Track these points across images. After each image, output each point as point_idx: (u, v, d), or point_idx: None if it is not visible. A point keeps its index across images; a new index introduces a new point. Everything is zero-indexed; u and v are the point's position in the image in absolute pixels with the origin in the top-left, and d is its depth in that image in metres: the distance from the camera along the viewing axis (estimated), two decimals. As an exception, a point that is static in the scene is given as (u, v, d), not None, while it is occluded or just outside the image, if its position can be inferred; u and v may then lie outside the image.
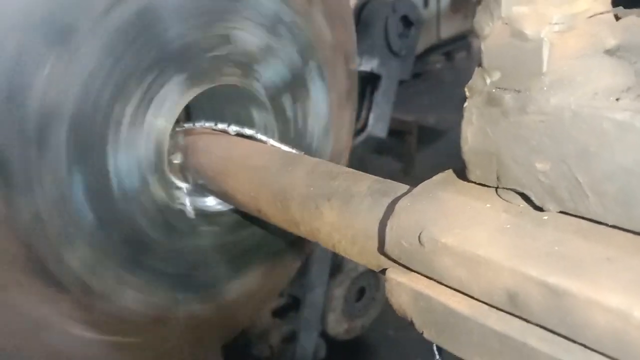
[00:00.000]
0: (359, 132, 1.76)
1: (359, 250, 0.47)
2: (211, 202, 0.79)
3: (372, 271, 1.65)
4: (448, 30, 4.90)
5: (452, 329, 0.41)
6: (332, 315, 2.07)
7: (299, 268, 1.76)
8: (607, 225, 0.35)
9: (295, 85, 0.87)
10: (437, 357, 0.45)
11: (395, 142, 3.71)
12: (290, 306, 1.97)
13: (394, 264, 0.43)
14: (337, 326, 2.10)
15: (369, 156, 1.91)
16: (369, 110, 1.69)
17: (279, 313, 1.96)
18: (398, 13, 1.61)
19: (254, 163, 0.67)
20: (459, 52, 5.10)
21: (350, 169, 0.53)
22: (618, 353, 0.32)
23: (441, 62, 5.02)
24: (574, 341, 0.35)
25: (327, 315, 2.05)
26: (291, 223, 0.55)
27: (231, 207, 0.77)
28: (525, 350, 0.37)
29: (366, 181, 0.50)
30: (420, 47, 3.91)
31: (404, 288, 0.42)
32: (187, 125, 0.76)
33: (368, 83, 1.70)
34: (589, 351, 0.34)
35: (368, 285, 2.20)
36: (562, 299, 0.34)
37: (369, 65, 1.64)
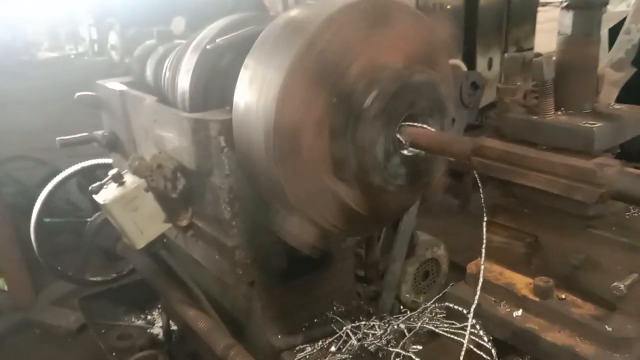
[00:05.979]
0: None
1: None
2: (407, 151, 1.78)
3: (435, 260, 2.62)
4: (507, 90, 5.40)
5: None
6: (404, 286, 2.48)
7: (386, 246, 2.45)
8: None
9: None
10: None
11: (455, 182, 4.27)
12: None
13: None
14: (406, 295, 2.48)
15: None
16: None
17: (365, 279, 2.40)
18: (469, 80, 2.28)
19: (424, 133, 1.69)
20: (515, 109, 5.54)
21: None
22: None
23: (499, 115, 5.51)
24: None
25: (400, 286, 2.44)
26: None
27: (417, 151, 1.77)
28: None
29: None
30: (483, 102, 4.44)
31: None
32: (404, 124, 1.74)
33: (446, 123, 2.25)
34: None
35: (431, 270, 2.58)
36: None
37: (448, 112, 2.21)
